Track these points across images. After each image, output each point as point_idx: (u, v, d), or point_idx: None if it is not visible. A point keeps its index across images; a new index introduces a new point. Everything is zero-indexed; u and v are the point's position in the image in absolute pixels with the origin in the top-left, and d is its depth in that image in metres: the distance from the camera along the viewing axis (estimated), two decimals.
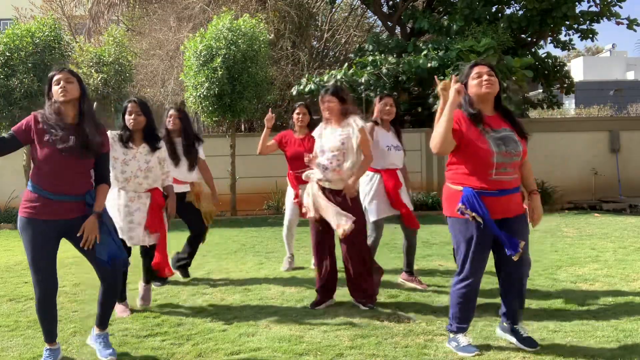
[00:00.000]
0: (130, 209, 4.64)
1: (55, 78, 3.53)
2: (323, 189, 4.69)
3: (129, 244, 4.66)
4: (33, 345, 3.95)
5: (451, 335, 3.71)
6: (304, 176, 4.89)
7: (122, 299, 4.69)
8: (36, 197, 3.48)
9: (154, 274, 5.09)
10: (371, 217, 5.20)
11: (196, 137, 5.79)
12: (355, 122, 4.65)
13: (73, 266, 6.68)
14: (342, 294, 4.90)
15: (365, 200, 5.23)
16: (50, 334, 3.63)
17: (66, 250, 7.65)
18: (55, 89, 3.51)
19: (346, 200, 4.62)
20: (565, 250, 6.98)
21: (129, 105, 4.61)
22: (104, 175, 3.68)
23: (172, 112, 5.72)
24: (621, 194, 12.19)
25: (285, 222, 6.29)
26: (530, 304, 4.60)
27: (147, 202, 4.70)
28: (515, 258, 3.48)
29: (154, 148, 4.66)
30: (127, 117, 4.59)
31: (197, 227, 5.74)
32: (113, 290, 3.69)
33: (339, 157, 4.62)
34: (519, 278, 3.64)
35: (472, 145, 3.49)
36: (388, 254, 6.86)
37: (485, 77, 3.54)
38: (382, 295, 5.05)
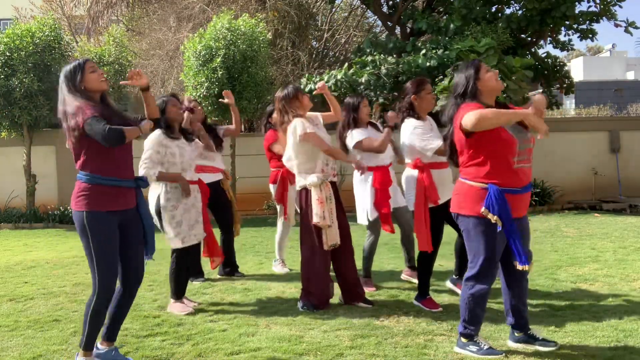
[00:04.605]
0: (187, 205, 4.68)
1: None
2: (335, 187, 4.74)
3: (195, 241, 4.71)
4: (33, 345, 3.95)
5: (465, 340, 3.61)
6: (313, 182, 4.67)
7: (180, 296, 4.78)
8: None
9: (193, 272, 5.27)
10: (371, 216, 5.17)
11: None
12: None
13: (73, 266, 6.68)
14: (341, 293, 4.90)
15: (365, 200, 5.20)
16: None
17: (66, 250, 7.59)
18: None
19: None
20: (565, 250, 6.98)
21: (171, 99, 4.70)
22: None
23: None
24: (621, 194, 12.19)
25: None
26: (531, 304, 4.60)
27: (197, 195, 4.78)
28: (522, 268, 3.47)
29: (189, 139, 4.90)
30: (171, 108, 4.66)
31: (225, 218, 6.12)
32: (132, 299, 3.62)
33: None
34: (526, 286, 3.66)
35: (496, 133, 3.43)
36: (388, 254, 6.86)
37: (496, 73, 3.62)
38: (382, 295, 5.05)
